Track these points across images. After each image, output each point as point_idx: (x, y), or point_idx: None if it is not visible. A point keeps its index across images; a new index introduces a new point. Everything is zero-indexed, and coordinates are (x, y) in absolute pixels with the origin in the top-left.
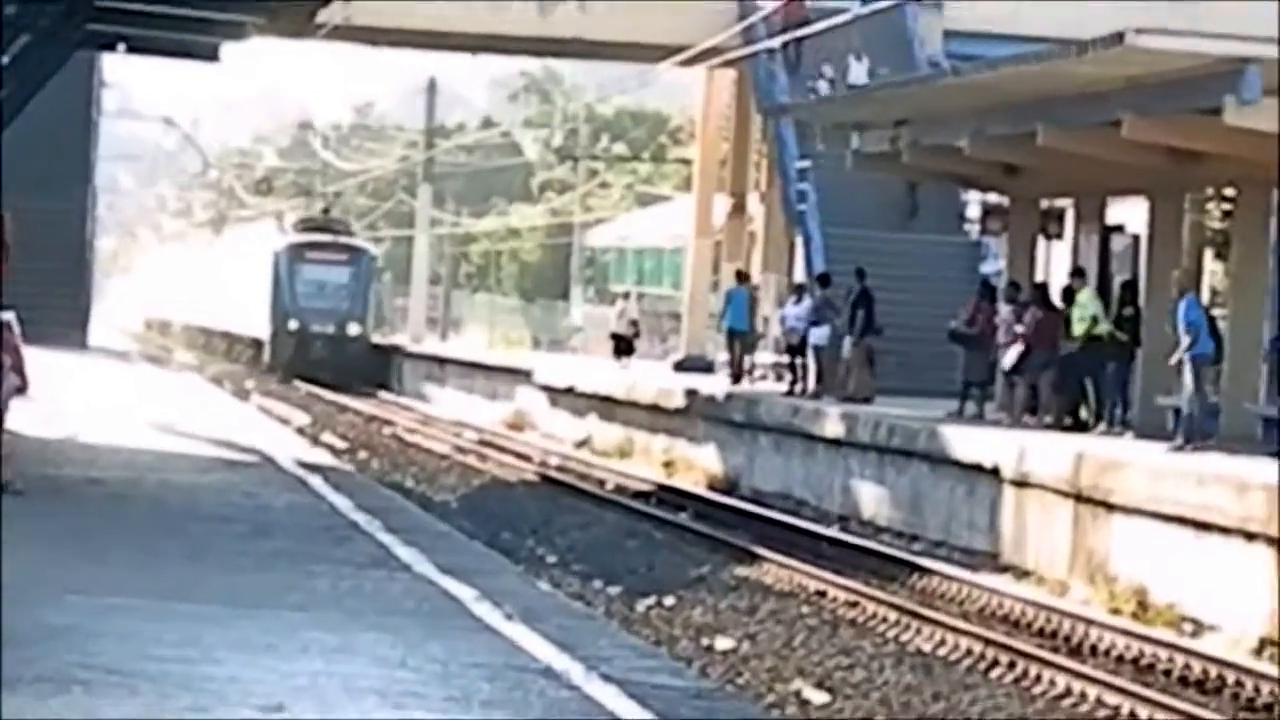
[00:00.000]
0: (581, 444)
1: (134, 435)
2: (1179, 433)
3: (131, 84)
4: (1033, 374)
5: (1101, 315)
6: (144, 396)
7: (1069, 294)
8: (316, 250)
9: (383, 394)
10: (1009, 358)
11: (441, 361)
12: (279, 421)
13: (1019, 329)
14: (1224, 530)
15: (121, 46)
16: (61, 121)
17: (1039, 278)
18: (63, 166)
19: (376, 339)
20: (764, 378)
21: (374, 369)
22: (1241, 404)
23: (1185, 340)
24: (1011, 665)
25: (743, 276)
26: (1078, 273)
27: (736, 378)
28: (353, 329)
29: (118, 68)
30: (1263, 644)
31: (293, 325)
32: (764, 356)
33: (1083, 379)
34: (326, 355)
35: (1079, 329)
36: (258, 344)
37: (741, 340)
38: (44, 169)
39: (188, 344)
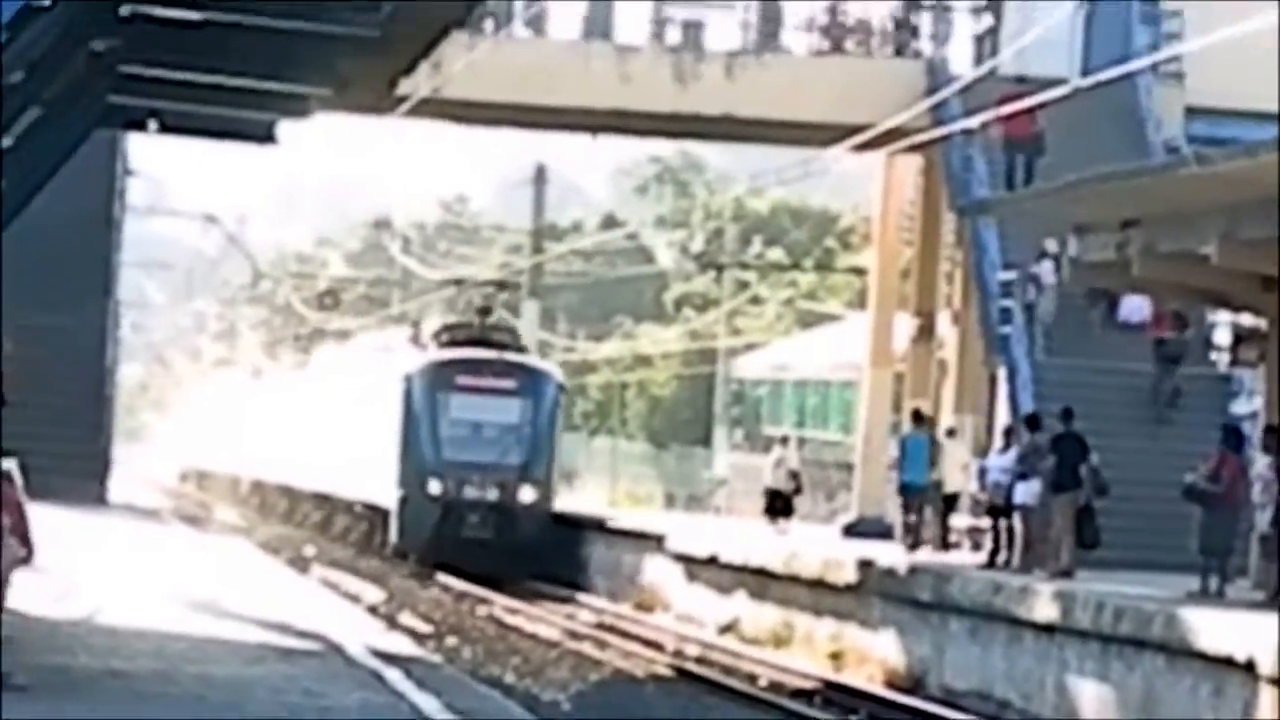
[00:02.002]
0: (727, 629)
1: (166, 616)
2: None
3: (164, 173)
4: None
5: None
6: (179, 567)
7: None
8: (472, 373)
9: (581, 597)
10: (1267, 518)
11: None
12: (347, 599)
13: None
14: None
15: (152, 124)
16: (76, 219)
17: None
18: (77, 275)
19: (561, 507)
20: (958, 545)
21: (555, 554)
22: None
23: None
24: None
25: (921, 418)
26: None
27: (914, 545)
28: (526, 494)
29: (147, 152)
30: None
31: (434, 488)
32: (961, 519)
33: None
34: (487, 535)
35: None
36: (375, 513)
37: (921, 497)
38: (54, 278)
39: (260, 508)
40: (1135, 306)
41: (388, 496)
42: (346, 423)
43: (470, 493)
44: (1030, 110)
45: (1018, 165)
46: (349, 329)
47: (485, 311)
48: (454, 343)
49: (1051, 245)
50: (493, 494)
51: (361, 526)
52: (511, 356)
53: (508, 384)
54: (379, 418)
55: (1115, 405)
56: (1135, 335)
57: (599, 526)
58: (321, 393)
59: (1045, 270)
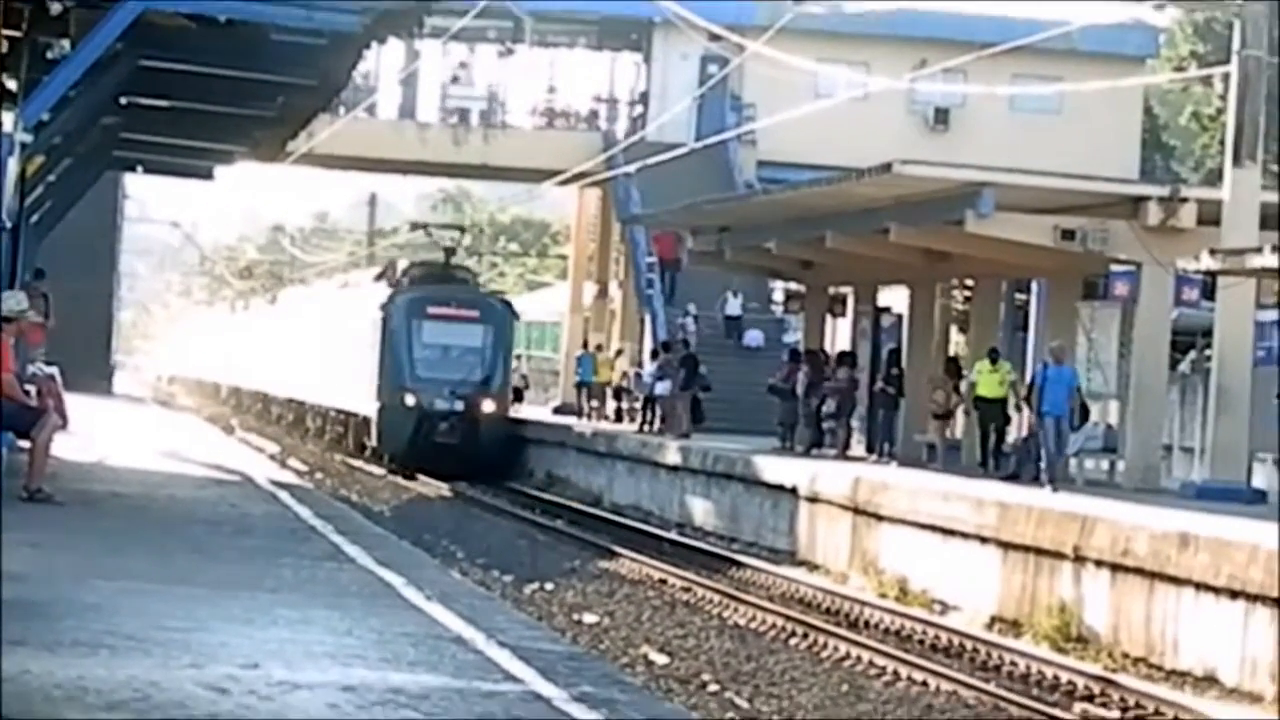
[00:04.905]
0: None
1: (146, 459)
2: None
3: (147, 196)
4: (846, 418)
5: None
6: (155, 430)
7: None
8: (441, 304)
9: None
10: (829, 406)
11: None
12: (256, 450)
13: (830, 385)
14: (964, 535)
15: (140, 168)
16: (94, 224)
17: (826, 345)
18: (95, 258)
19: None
20: (622, 419)
21: (511, 456)
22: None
23: (1055, 401)
24: (805, 635)
25: (587, 345)
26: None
27: (583, 416)
28: (487, 406)
29: (137, 184)
30: (992, 620)
31: (409, 400)
32: (625, 404)
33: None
34: (455, 441)
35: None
36: (350, 419)
37: (588, 389)
38: (81, 259)
39: (236, 407)
40: (753, 337)
41: (368, 407)
42: (319, 344)
43: (440, 404)
44: (674, 244)
45: (665, 276)
46: (256, 289)
47: (450, 252)
48: (423, 279)
49: (691, 308)
50: (459, 405)
51: (336, 429)
52: (474, 290)
53: (471, 313)
54: (354, 340)
55: (721, 348)
56: (752, 352)
57: None
58: (294, 321)
59: (689, 323)
